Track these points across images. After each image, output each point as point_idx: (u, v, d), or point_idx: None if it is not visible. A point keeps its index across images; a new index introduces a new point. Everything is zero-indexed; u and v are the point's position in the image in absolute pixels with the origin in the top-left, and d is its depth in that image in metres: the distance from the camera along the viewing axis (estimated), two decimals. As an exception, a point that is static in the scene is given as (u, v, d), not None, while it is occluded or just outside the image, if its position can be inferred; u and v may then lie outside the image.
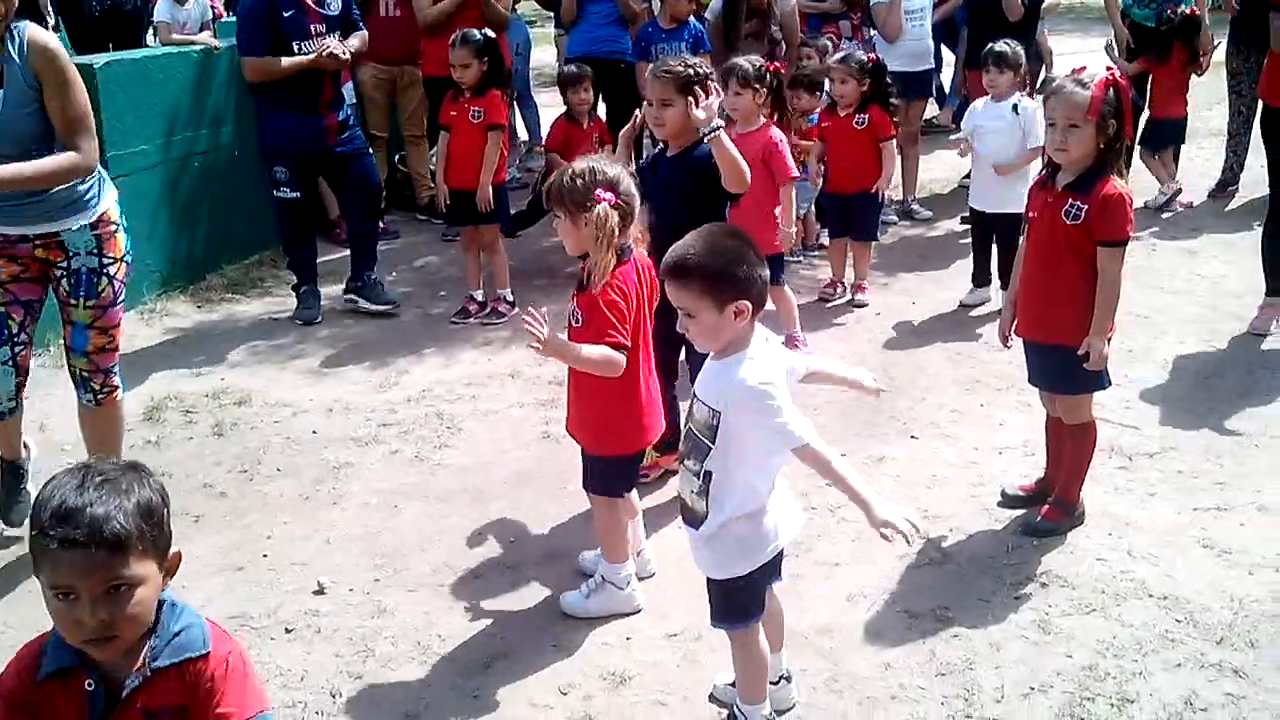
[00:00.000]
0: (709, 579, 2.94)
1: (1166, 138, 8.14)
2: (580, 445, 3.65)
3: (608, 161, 3.47)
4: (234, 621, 3.67)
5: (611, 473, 3.62)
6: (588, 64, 7.35)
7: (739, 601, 2.92)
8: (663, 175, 4.29)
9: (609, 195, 3.29)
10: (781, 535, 2.89)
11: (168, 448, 4.93)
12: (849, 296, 6.58)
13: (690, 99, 4.08)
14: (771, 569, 2.94)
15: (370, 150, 6.71)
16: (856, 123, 6.43)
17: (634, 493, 3.77)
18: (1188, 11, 7.96)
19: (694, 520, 2.87)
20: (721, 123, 4.04)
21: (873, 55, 6.73)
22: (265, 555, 4.09)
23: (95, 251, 3.89)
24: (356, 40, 6.40)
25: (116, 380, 4.12)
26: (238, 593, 3.86)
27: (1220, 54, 8.18)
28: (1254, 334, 5.70)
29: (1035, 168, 6.12)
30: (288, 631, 3.63)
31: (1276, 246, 5.73)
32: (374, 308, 6.51)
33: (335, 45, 6.14)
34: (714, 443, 2.74)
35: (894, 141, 6.50)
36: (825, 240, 7.23)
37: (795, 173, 5.39)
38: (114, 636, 1.92)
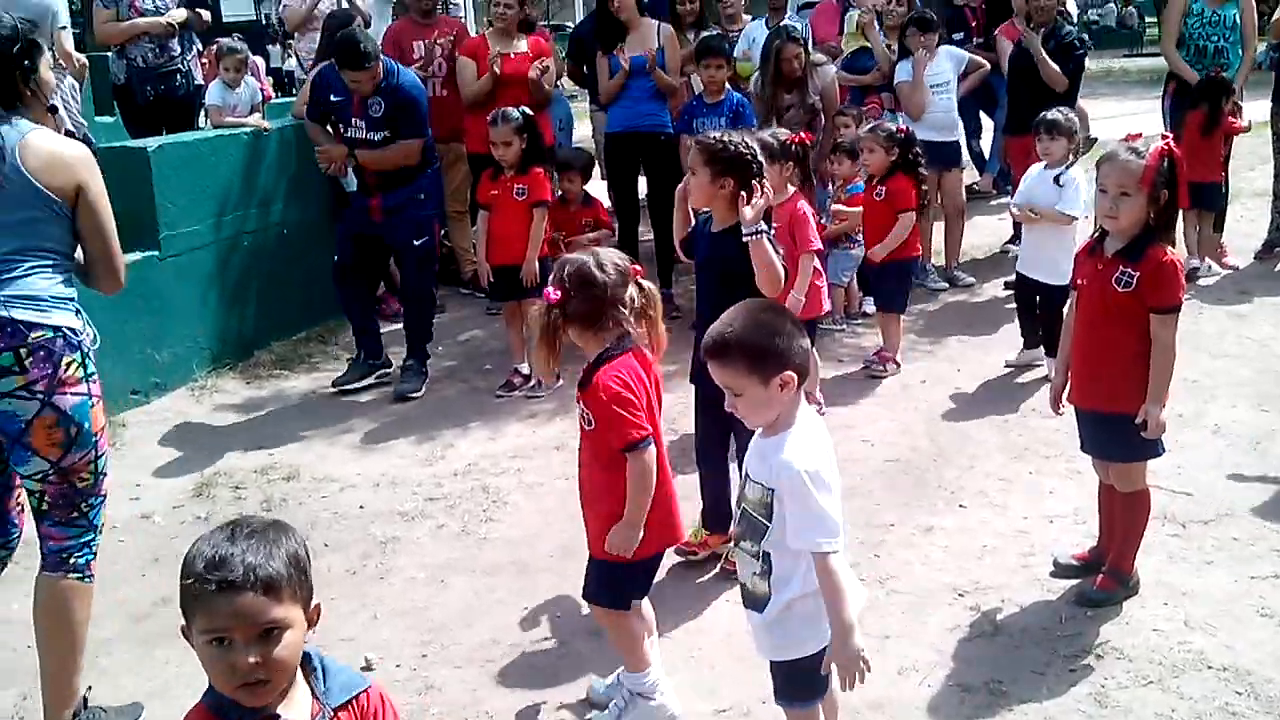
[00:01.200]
0: (773, 661, 2.90)
1: (1196, 200, 7.82)
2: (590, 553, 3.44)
3: (591, 255, 3.33)
4: (283, 699, 3.67)
5: (619, 578, 3.37)
6: (629, 138, 7.44)
7: (806, 681, 2.88)
8: (704, 251, 4.29)
9: (555, 294, 3.21)
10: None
11: (217, 523, 4.96)
12: (868, 363, 6.55)
13: (724, 179, 4.05)
14: None
15: (423, 243, 6.63)
16: (875, 194, 6.50)
17: (647, 606, 3.54)
18: (1213, 72, 7.82)
19: (756, 604, 2.83)
20: (764, 227, 4.00)
21: (902, 126, 6.78)
22: (313, 632, 4.09)
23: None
24: (391, 149, 6.44)
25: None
26: (286, 669, 3.86)
27: (1264, 113, 8.16)
28: None
29: (1080, 236, 6.15)
30: (336, 709, 3.63)
31: None
32: (395, 391, 6.56)
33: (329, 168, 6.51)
34: (770, 522, 2.72)
35: (912, 213, 6.46)
36: (869, 309, 7.23)
37: (817, 245, 5.39)
38: (266, 681, 1.95)
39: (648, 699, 3.42)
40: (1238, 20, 7.92)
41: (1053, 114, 6.12)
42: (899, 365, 6.49)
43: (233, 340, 7.07)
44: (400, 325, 6.91)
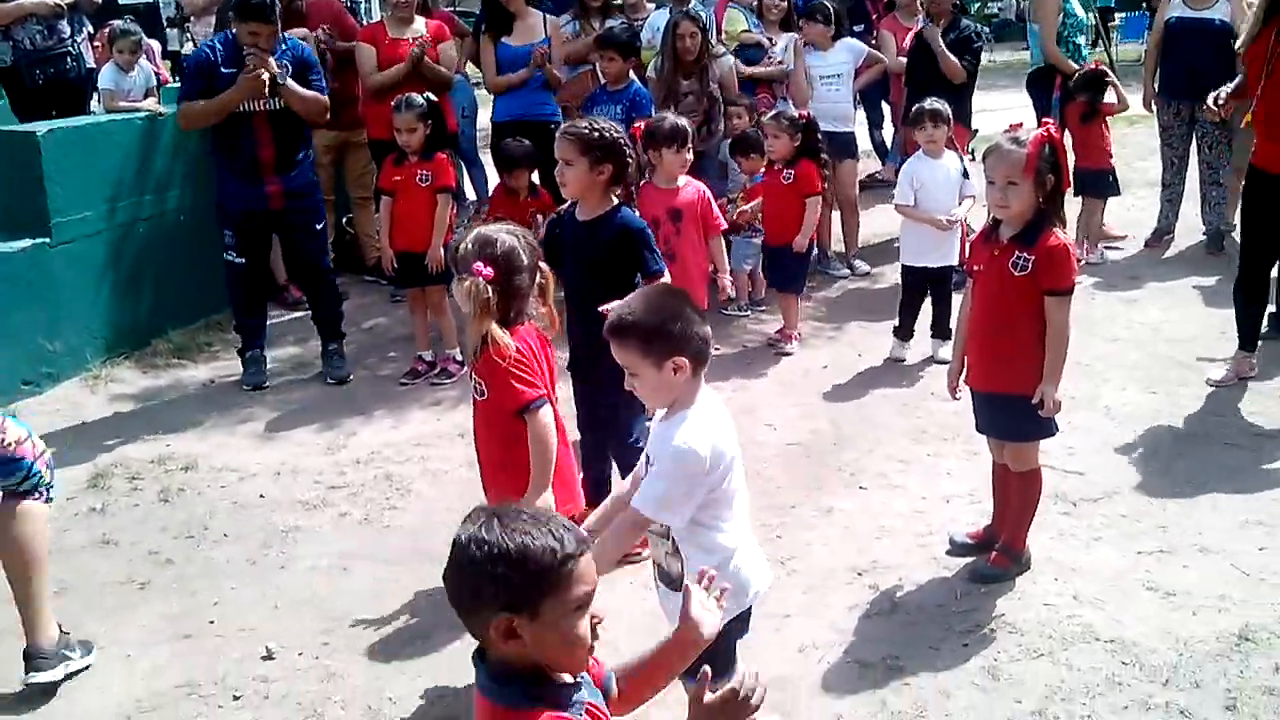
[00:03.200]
0: None
1: (1084, 186, 8.10)
2: None
3: (510, 232, 3.35)
4: (181, 690, 3.63)
5: None
6: (517, 128, 7.42)
7: (713, 659, 2.91)
8: (570, 239, 4.25)
9: (488, 270, 3.20)
10: (753, 586, 2.90)
11: (113, 515, 4.87)
12: (775, 343, 6.68)
13: (602, 165, 4.04)
14: (743, 623, 2.95)
15: (322, 225, 6.60)
16: (784, 178, 6.59)
17: None
18: (1092, 65, 8.24)
19: (672, 582, 2.87)
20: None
21: (804, 113, 6.86)
22: (212, 622, 4.04)
23: None
24: (313, 92, 6.22)
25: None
26: (185, 660, 3.80)
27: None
28: (1216, 385, 5.74)
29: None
30: (235, 699, 3.59)
31: (1242, 301, 5.83)
32: (329, 379, 6.49)
33: (261, 67, 5.90)
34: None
35: (819, 197, 6.64)
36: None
37: (723, 225, 5.50)
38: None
39: None
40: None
41: (932, 103, 6.25)
42: (794, 341, 6.67)
43: (128, 329, 6.90)
44: (299, 314, 6.79)
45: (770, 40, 8.03)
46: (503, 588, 1.76)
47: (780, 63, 7.96)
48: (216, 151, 6.31)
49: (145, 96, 8.04)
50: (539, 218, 6.60)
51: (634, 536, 2.87)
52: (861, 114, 9.56)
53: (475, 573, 1.77)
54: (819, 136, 6.72)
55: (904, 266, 6.51)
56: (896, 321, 6.51)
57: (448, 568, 1.82)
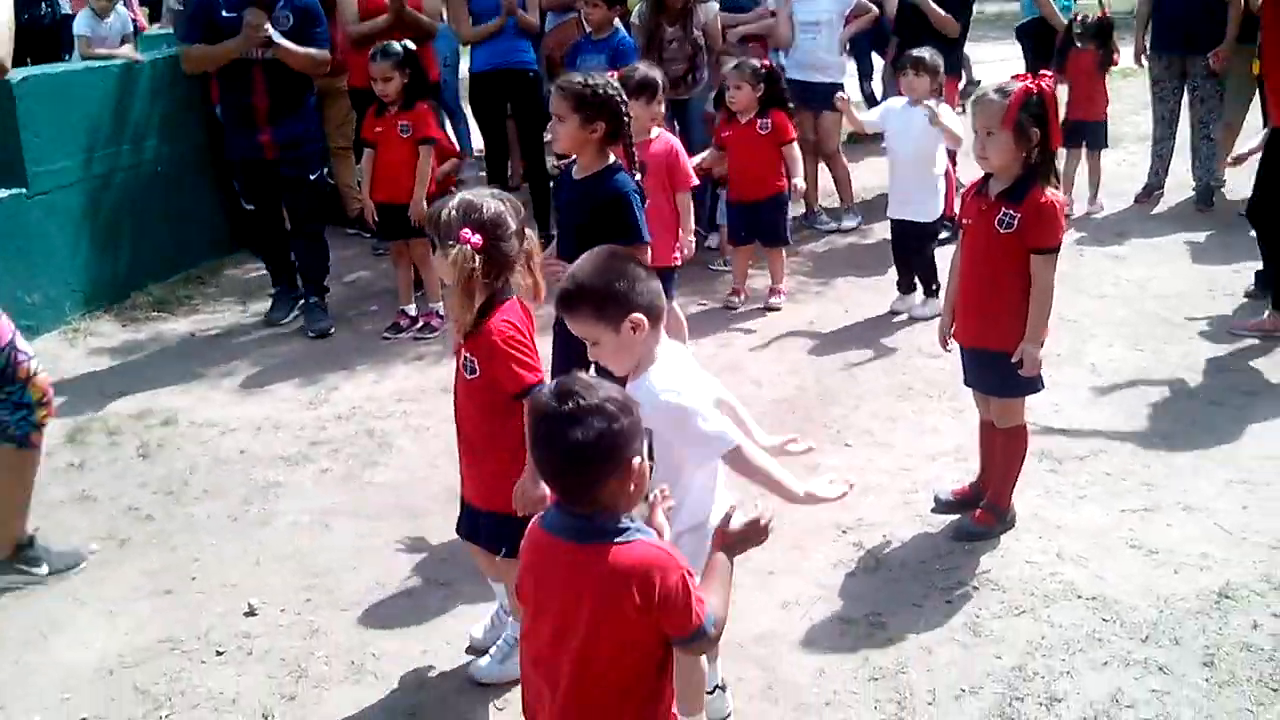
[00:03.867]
0: None
1: (1082, 137, 8.11)
2: (469, 500, 3.37)
3: (495, 196, 3.22)
4: (163, 645, 3.62)
5: (501, 528, 3.23)
6: (495, 77, 7.33)
7: None
8: (564, 200, 4.19)
9: (476, 238, 3.06)
10: None
11: (91, 470, 4.83)
12: (764, 303, 6.60)
13: (595, 123, 3.95)
14: None
15: (316, 177, 6.54)
16: (760, 128, 6.44)
17: None
18: (1100, 14, 8.11)
19: None
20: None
21: (767, 62, 6.74)
22: (194, 578, 4.02)
23: None
24: (308, 50, 6.17)
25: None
26: (167, 616, 3.79)
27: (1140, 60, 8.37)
28: (1236, 332, 5.78)
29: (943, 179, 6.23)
30: (219, 654, 3.58)
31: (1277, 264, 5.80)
32: (309, 332, 6.45)
33: (260, 23, 5.89)
34: (653, 460, 2.73)
35: (795, 144, 6.52)
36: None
37: (694, 181, 5.41)
38: None
39: None
40: None
41: (919, 51, 6.16)
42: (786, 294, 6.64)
43: (107, 281, 6.84)
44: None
45: None
46: (632, 436, 2.10)
47: (773, 13, 7.87)
48: (219, 100, 6.39)
49: (121, 44, 7.92)
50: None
51: (765, 471, 2.77)
52: (852, 65, 9.46)
53: (608, 432, 2.06)
54: (783, 86, 6.62)
55: (891, 220, 6.46)
56: (896, 275, 6.48)
57: (567, 445, 2.06)
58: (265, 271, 6.96)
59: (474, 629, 3.63)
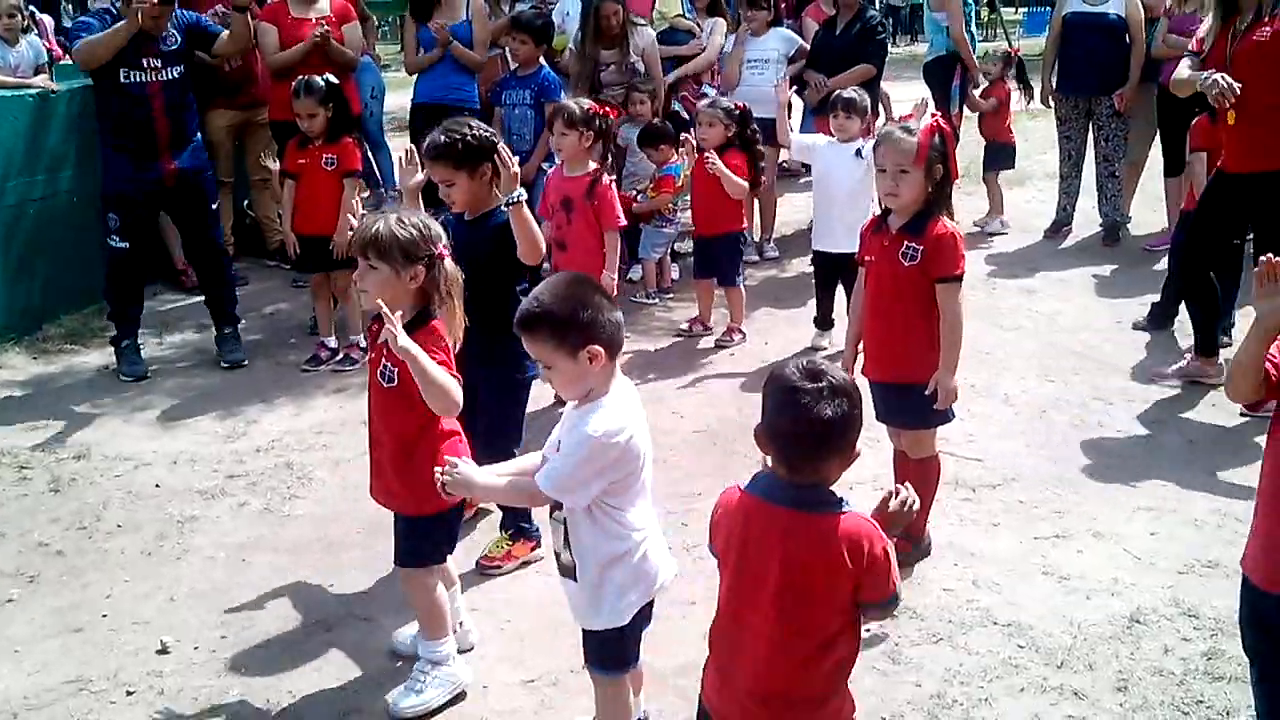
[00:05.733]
0: (585, 629, 2.92)
1: (998, 160, 8.95)
2: (395, 511, 3.43)
3: (420, 214, 3.36)
4: (72, 685, 3.53)
5: (434, 533, 3.40)
6: (434, 110, 7.31)
7: (618, 650, 2.92)
8: (459, 238, 4.19)
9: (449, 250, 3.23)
10: (658, 579, 2.89)
11: (0, 505, 4.71)
12: (716, 337, 6.64)
13: (482, 167, 3.94)
14: (646, 615, 2.93)
15: (215, 206, 6.50)
16: (708, 166, 6.49)
17: (451, 563, 3.60)
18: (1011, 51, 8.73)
19: (568, 572, 2.85)
20: (522, 192, 3.90)
21: (740, 104, 6.81)
22: (105, 615, 3.93)
23: None
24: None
25: None
26: (76, 655, 3.70)
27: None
28: (1160, 378, 5.82)
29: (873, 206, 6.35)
30: (129, 694, 3.50)
31: (1195, 308, 5.82)
32: (223, 363, 6.36)
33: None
34: None
35: (745, 186, 6.55)
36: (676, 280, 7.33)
37: (621, 221, 5.41)
38: None
39: (445, 666, 3.43)
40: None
41: (849, 93, 6.27)
42: (744, 334, 6.65)
43: (18, 312, 6.70)
44: (197, 298, 6.65)
45: (699, 25, 8.06)
46: (861, 422, 2.33)
47: (703, 48, 7.99)
48: (104, 130, 6.16)
49: (36, 73, 7.78)
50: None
51: (519, 500, 2.94)
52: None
53: (851, 415, 2.28)
54: (754, 129, 6.69)
55: (814, 252, 6.55)
56: (815, 312, 6.55)
57: (815, 419, 2.24)
58: (182, 302, 6.85)
59: (399, 634, 3.68)
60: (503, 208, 3.92)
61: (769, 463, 2.40)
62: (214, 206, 6.41)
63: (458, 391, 3.14)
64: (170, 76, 6.03)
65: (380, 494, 3.43)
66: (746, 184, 6.47)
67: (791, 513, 2.32)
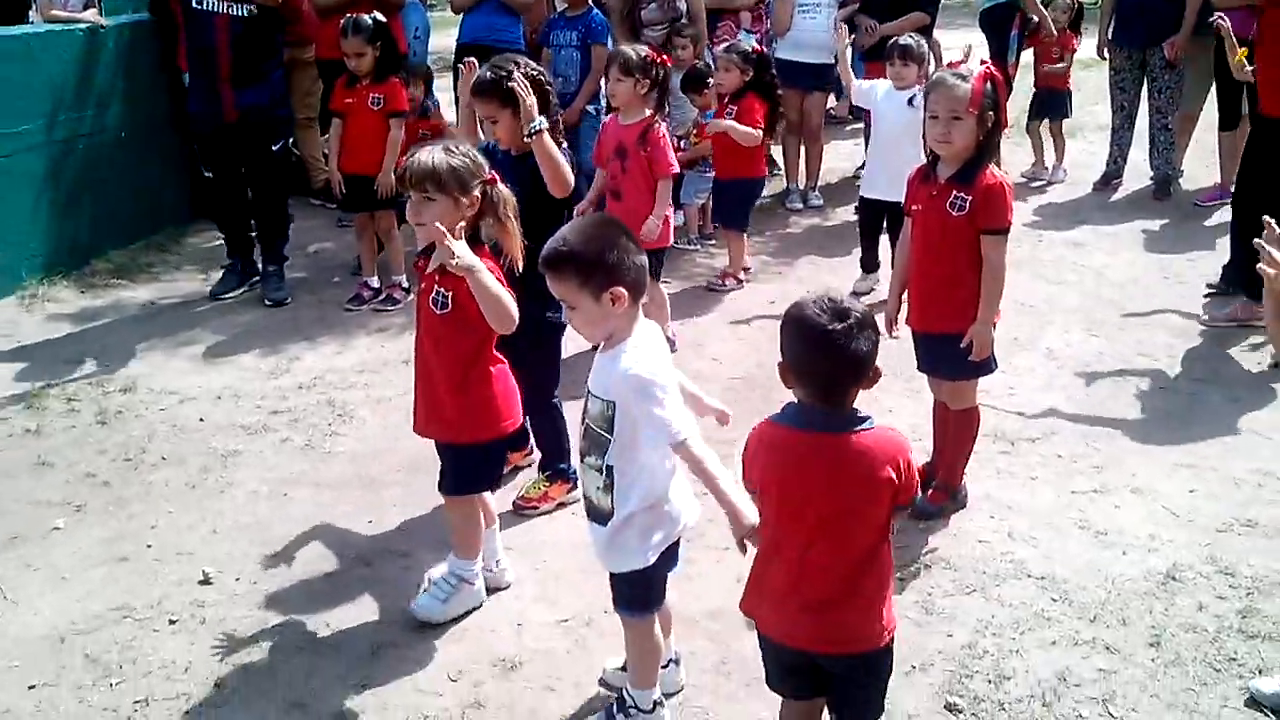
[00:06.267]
0: (612, 572, 2.94)
1: (1053, 108, 8.81)
2: (440, 440, 3.52)
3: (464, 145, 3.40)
4: (117, 613, 3.61)
5: (481, 461, 3.52)
6: (478, 51, 7.27)
7: (643, 592, 2.94)
8: (503, 173, 4.19)
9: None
10: (681, 522, 2.91)
11: (48, 436, 4.80)
12: (729, 285, 6.63)
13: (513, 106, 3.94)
14: (671, 557, 2.95)
15: (279, 147, 6.52)
16: (726, 113, 6.45)
17: (489, 498, 3.68)
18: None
19: (601, 517, 2.85)
20: (543, 122, 3.90)
21: (757, 46, 6.75)
22: (150, 546, 4.01)
23: None
24: None
25: None
26: (121, 584, 3.78)
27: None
28: (1211, 325, 5.79)
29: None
30: (172, 623, 3.57)
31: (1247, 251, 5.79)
32: (266, 300, 6.43)
33: None
34: (612, 435, 2.75)
35: (758, 133, 6.42)
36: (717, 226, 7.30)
37: (674, 169, 5.36)
38: None
39: (470, 584, 3.56)
40: None
41: (906, 39, 6.18)
42: (741, 282, 6.61)
43: (67, 248, 6.77)
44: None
45: None
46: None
47: None
48: (187, 60, 6.34)
49: (85, 8, 7.79)
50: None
51: (701, 469, 2.71)
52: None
53: (877, 344, 2.43)
54: (773, 73, 6.63)
55: (862, 199, 6.49)
56: (860, 255, 6.51)
57: (850, 355, 2.38)
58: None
59: (432, 570, 3.73)
60: (525, 138, 3.92)
61: (796, 395, 2.46)
62: (274, 148, 6.44)
63: (514, 305, 3.17)
64: (239, 13, 6.07)
65: (431, 425, 3.49)
66: (758, 131, 6.37)
67: (828, 436, 2.43)
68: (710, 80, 6.80)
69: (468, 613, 3.57)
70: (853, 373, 2.40)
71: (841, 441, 2.42)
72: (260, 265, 6.60)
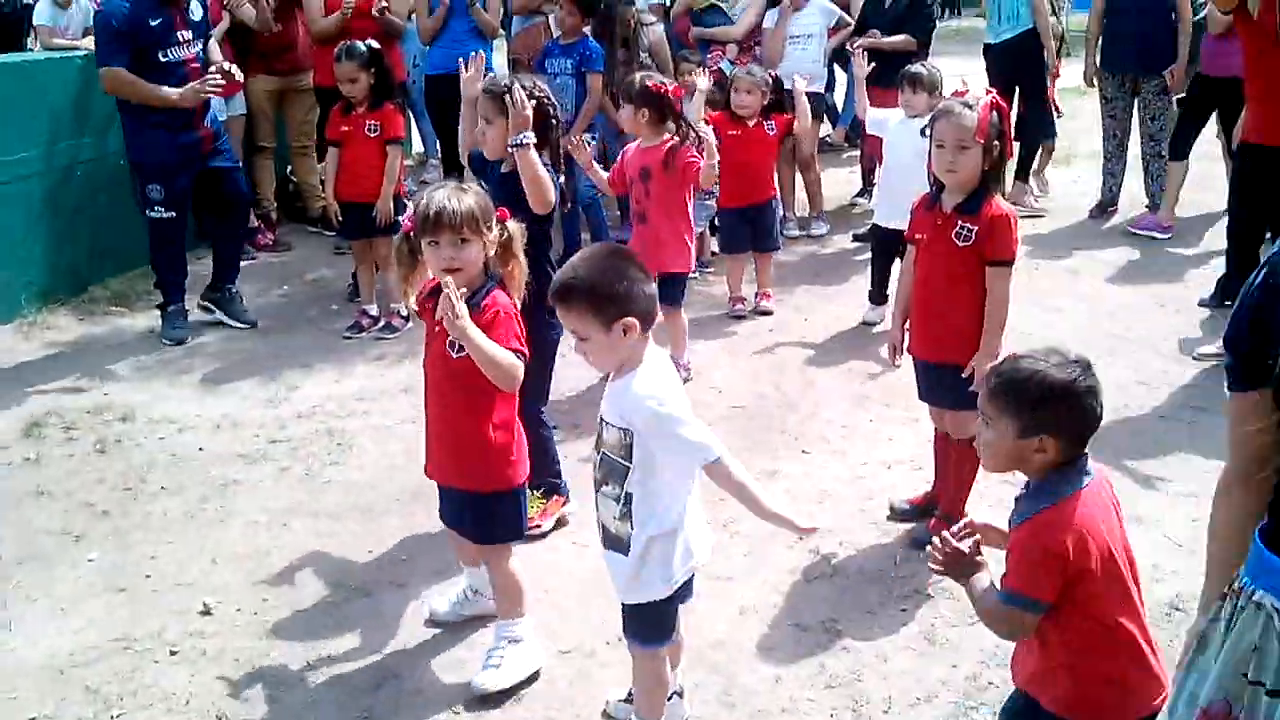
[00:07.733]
0: (625, 603, 2.93)
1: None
2: (459, 488, 3.39)
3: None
4: (116, 644, 3.59)
5: (514, 510, 3.38)
6: (450, 80, 7.33)
7: (656, 623, 2.92)
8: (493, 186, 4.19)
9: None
10: (696, 554, 2.89)
11: (47, 465, 4.79)
12: (754, 306, 6.67)
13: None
14: (685, 589, 2.94)
15: (240, 163, 6.60)
16: (768, 129, 6.52)
17: None
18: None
19: (620, 546, 2.82)
20: (530, 137, 3.88)
21: (772, 71, 6.82)
22: (149, 576, 3.99)
23: None
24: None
25: None
26: (120, 614, 3.76)
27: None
28: (1200, 358, 5.78)
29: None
30: (172, 654, 3.56)
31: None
32: (233, 323, 6.43)
33: (218, 73, 6.03)
34: (631, 462, 2.74)
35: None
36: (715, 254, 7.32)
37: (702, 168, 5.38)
38: None
39: (517, 641, 3.40)
40: None
41: (915, 67, 6.22)
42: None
43: (65, 274, 6.77)
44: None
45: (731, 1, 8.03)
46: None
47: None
48: (134, 107, 6.10)
49: (84, 35, 7.84)
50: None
51: (741, 486, 2.73)
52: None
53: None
54: (785, 91, 6.70)
55: (875, 226, 6.50)
56: (870, 286, 6.52)
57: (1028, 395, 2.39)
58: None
59: (435, 601, 3.71)
60: (509, 148, 3.91)
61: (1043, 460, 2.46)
62: (239, 162, 6.52)
63: (519, 367, 3.13)
64: (198, 51, 6.13)
65: (448, 474, 3.39)
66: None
67: (1100, 473, 2.50)
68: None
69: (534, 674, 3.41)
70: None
71: (1108, 484, 2.53)
72: (222, 289, 6.57)
